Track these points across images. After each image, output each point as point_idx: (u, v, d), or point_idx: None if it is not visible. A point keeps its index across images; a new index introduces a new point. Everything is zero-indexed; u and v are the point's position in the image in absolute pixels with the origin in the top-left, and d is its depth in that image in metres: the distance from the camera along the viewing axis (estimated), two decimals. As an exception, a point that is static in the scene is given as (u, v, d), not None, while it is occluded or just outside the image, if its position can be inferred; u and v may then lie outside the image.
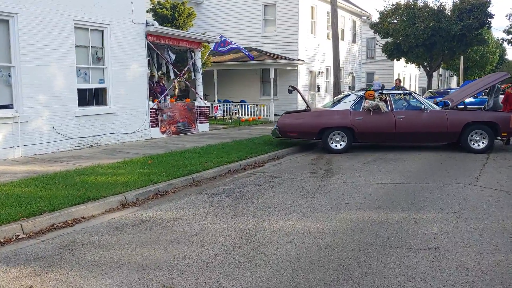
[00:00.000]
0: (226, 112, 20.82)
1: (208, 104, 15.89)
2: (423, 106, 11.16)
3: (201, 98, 15.52)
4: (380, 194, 7.07)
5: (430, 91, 29.17)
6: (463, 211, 6.01)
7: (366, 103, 11.26)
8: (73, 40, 10.91)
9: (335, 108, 11.69)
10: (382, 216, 5.81)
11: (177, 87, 18.54)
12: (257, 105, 21.08)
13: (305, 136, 11.67)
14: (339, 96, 12.84)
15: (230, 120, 19.19)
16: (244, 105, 21.15)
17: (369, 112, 11.23)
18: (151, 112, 13.43)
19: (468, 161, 10.03)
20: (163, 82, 16.08)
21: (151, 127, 13.47)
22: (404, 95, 11.49)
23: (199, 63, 15.55)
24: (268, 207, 6.32)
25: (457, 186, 7.54)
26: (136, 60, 12.82)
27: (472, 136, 11.10)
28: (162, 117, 13.87)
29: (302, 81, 22.41)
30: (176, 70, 14.76)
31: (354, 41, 29.11)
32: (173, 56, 14.50)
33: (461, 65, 42.42)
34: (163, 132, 13.83)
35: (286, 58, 20.93)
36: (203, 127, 15.53)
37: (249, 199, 6.82)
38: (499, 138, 11.28)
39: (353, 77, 29.06)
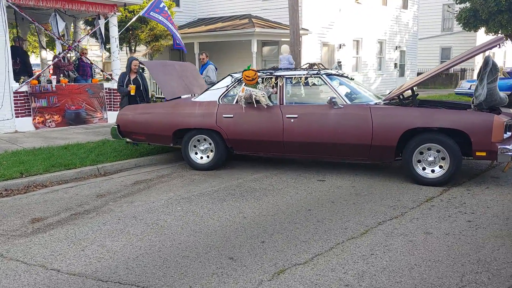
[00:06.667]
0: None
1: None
2: (333, 99, 6.31)
3: (113, 78, 11.87)
4: None
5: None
6: None
7: (242, 91, 6.75)
8: None
9: (199, 98, 7.31)
10: None
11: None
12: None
13: (156, 141, 7.51)
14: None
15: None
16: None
17: (246, 106, 6.73)
18: (17, 96, 10.17)
19: (372, 207, 5.21)
20: (86, 57, 12.76)
21: (17, 116, 10.22)
22: (306, 78, 6.67)
23: (114, 32, 11.85)
24: None
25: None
26: (-16, 27, 9.57)
27: (423, 154, 6.08)
28: (39, 104, 10.54)
29: (309, 56, 17.52)
30: (64, 43, 11.29)
31: (405, 6, 23.04)
32: (62, 25, 10.99)
33: None
34: (39, 123, 10.52)
35: (275, 27, 16.27)
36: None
37: None
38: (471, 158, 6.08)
39: (401, 52, 23.10)
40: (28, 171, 6.69)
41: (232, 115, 6.81)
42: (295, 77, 6.75)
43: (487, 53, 7.85)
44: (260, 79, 6.81)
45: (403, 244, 4.12)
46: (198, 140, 7.17)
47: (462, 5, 25.59)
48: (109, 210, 5.25)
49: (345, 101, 6.36)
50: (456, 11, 26.71)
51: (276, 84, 6.75)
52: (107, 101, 11.78)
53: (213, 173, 6.94)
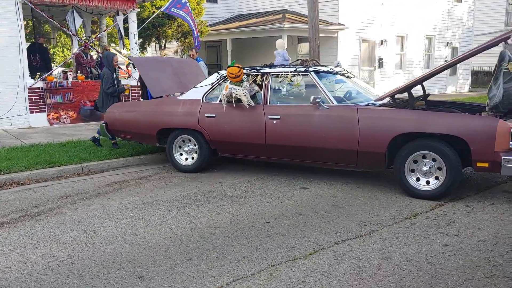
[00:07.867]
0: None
1: (145, 83, 12.02)
2: (316, 98, 5.68)
3: (130, 75, 11.79)
4: None
5: None
6: None
7: (225, 89, 6.30)
8: None
9: (184, 96, 6.93)
10: None
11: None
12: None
13: (142, 140, 7.24)
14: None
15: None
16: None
17: (227, 106, 6.27)
18: (32, 92, 10.33)
19: (341, 222, 4.59)
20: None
21: (32, 112, 10.39)
22: (293, 75, 6.07)
23: (133, 29, 11.77)
24: None
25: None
26: None
27: (417, 163, 5.33)
28: (54, 100, 10.65)
29: (346, 53, 16.72)
30: (81, 40, 11.33)
31: (459, -1, 21.42)
32: (79, 22, 11.03)
33: None
34: (54, 119, 10.63)
35: (307, 22, 15.53)
36: (137, 113, 11.81)
37: None
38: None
39: (453, 48, 21.52)
40: (10, 168, 6.62)
41: (214, 115, 6.37)
42: (281, 75, 6.18)
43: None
44: (246, 76, 6.30)
45: (348, 271, 3.50)
46: (183, 141, 6.80)
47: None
48: (60, 213, 5.00)
49: (331, 101, 5.71)
50: (519, 3, 24.59)
51: (262, 82, 6.22)
52: (125, 98, 11.71)
53: (195, 176, 6.54)
